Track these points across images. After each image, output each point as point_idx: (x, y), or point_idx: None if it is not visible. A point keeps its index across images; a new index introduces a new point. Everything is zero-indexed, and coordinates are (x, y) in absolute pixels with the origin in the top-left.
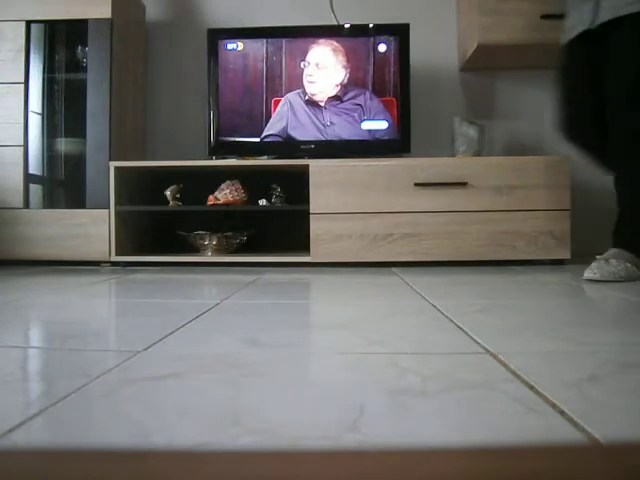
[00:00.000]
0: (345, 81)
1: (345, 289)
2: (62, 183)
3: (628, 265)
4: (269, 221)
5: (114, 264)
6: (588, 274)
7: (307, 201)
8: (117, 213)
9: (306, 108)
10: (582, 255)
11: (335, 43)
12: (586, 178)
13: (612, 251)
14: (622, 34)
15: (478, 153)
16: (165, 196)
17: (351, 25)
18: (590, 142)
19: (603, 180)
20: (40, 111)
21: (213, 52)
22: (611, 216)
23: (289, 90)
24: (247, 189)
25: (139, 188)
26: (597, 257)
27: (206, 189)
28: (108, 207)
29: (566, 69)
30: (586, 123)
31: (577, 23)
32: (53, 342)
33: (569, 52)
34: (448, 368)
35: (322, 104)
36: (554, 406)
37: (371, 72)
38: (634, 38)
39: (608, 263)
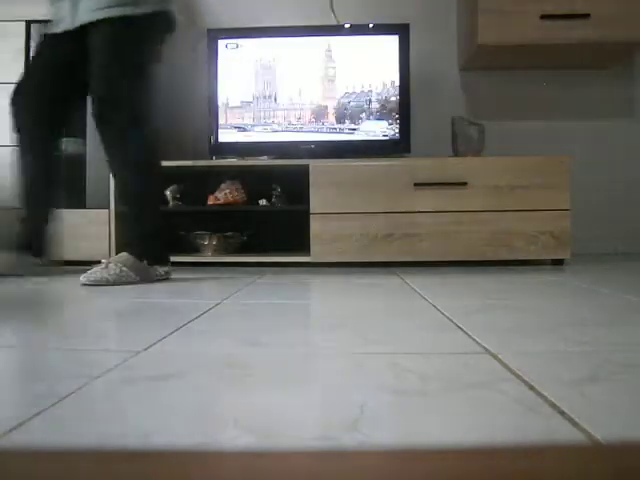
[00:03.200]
0: (345, 81)
1: (345, 289)
2: (62, 183)
3: (124, 269)
4: (269, 221)
5: None
6: (81, 279)
7: (307, 201)
8: (117, 213)
9: (306, 108)
10: (582, 255)
11: (335, 43)
12: (586, 178)
13: (118, 255)
14: (93, 35)
15: (478, 153)
16: (165, 196)
17: (351, 25)
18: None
19: (603, 180)
20: None
21: (213, 52)
22: (611, 216)
23: (289, 90)
24: (247, 189)
25: None
26: (102, 261)
27: (206, 189)
28: (108, 207)
29: (38, 62)
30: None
31: (60, 20)
32: (53, 342)
33: (44, 47)
34: (448, 368)
35: (322, 104)
36: (554, 406)
37: (371, 72)
38: (103, 39)
39: (106, 268)
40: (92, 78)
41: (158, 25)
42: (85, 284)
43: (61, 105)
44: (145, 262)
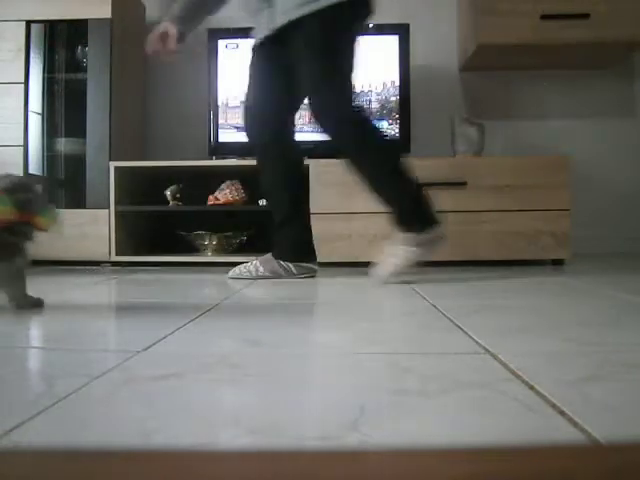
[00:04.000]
0: None
1: (345, 289)
2: (62, 183)
3: (259, 268)
4: (269, 221)
5: (114, 264)
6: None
7: (307, 201)
8: (117, 213)
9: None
10: (582, 255)
11: None
12: (586, 178)
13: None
14: (294, 36)
15: (478, 153)
16: (165, 196)
17: None
18: (270, 141)
19: (603, 180)
20: (40, 111)
21: (213, 52)
22: (611, 216)
23: None
24: (247, 189)
25: (139, 188)
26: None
27: (206, 189)
28: (108, 207)
29: (254, 71)
30: (271, 122)
31: (261, 31)
32: (53, 342)
33: (256, 58)
34: (448, 368)
35: None
36: (554, 406)
37: (371, 72)
38: (307, 39)
39: (252, 264)
40: (302, 78)
41: (355, 13)
42: (230, 277)
43: (286, 110)
44: (287, 263)
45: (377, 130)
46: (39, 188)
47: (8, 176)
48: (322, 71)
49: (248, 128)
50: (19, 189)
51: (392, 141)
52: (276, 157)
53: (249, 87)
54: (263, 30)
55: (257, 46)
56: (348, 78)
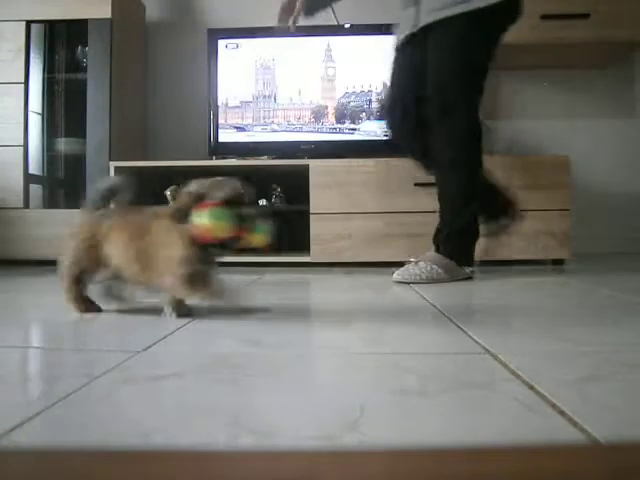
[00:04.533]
0: (345, 81)
1: (345, 289)
2: (62, 183)
3: (434, 267)
4: (269, 221)
5: None
6: (394, 277)
7: (307, 201)
8: None
9: (306, 108)
10: (582, 255)
11: (335, 43)
12: (586, 178)
13: (427, 254)
14: (436, 36)
15: None
16: (165, 196)
17: (351, 25)
18: (415, 144)
19: (603, 180)
20: (40, 111)
21: (213, 52)
22: (611, 216)
23: (289, 90)
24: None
25: (139, 188)
26: (411, 259)
27: None
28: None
29: (396, 71)
30: (412, 124)
31: (404, 29)
32: (53, 342)
33: (399, 55)
34: (448, 368)
35: (322, 104)
36: (554, 406)
37: (371, 72)
38: (447, 39)
39: (417, 265)
40: (429, 79)
41: (504, 17)
42: (399, 281)
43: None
44: (453, 261)
45: (481, 153)
46: (250, 195)
47: (224, 182)
48: (445, 74)
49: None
50: (237, 199)
51: (482, 169)
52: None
53: (392, 86)
54: (406, 28)
55: (400, 45)
56: (472, 89)
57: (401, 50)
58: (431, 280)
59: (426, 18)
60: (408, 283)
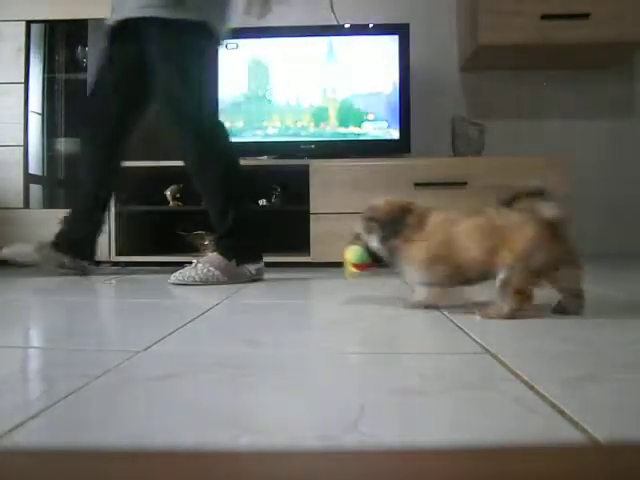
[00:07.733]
0: (345, 81)
1: (345, 289)
2: (62, 183)
3: (211, 269)
4: (269, 221)
5: (114, 264)
6: (170, 278)
7: (307, 201)
8: (117, 213)
9: (306, 107)
10: (582, 255)
11: (335, 43)
12: (586, 178)
13: (209, 255)
14: (147, 34)
15: (478, 153)
16: (165, 196)
17: (351, 25)
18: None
19: (603, 180)
20: (40, 111)
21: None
22: (611, 216)
23: (289, 90)
24: None
25: (139, 188)
26: (193, 261)
27: None
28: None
29: (107, 52)
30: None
31: (117, 10)
32: (53, 342)
33: (111, 37)
34: (448, 368)
35: (322, 104)
36: (554, 406)
37: (371, 72)
38: (161, 41)
39: (195, 267)
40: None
41: (197, 34)
42: (174, 283)
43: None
44: (234, 261)
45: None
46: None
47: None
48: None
49: None
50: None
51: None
52: None
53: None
54: (116, 14)
55: (114, 28)
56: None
57: (113, 33)
58: (206, 282)
59: (132, 12)
60: (184, 285)
